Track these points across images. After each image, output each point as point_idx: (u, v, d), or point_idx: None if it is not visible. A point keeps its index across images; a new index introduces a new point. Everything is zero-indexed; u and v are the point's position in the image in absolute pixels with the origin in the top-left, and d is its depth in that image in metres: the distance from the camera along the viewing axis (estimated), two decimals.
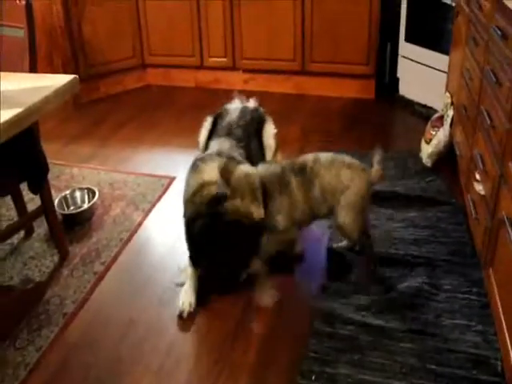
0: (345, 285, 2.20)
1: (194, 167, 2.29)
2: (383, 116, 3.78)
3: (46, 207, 2.39)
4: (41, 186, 2.31)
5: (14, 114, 1.73)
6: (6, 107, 1.76)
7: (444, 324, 1.98)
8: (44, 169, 2.29)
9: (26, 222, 2.53)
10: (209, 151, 2.45)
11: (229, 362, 1.90)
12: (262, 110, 2.79)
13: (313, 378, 1.79)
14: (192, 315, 2.10)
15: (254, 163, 2.33)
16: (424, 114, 3.58)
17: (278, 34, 4.02)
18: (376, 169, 2.19)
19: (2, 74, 2.06)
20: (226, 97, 4.13)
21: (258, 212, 2.06)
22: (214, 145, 2.48)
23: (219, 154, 2.33)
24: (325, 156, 2.20)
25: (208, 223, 2.06)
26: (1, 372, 1.89)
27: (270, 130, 2.70)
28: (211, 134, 2.63)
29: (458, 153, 2.77)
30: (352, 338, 1.94)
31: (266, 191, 2.11)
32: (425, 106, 3.68)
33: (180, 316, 2.09)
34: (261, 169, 2.19)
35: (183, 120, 3.86)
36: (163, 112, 4.01)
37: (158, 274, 2.35)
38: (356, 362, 1.84)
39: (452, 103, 2.98)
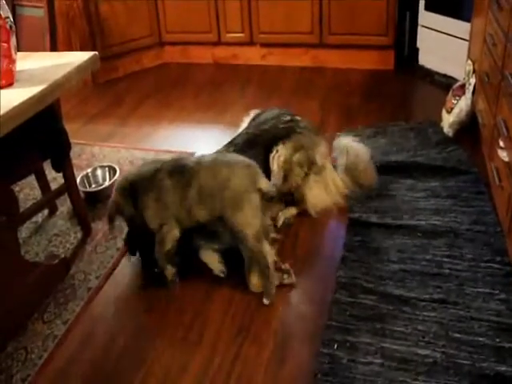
0: (365, 255, 2.19)
1: None
2: (403, 87, 3.72)
3: (69, 185, 2.42)
4: (64, 163, 2.34)
5: (39, 91, 1.76)
6: (30, 85, 1.80)
7: (466, 293, 1.97)
8: (66, 146, 2.32)
9: (49, 200, 2.57)
10: None
11: (252, 332, 1.92)
12: (294, 123, 2.50)
13: (335, 346, 1.81)
14: (214, 287, 2.13)
15: None
16: (444, 84, 3.51)
17: (295, 6, 3.96)
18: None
19: (24, 53, 2.09)
20: (243, 72, 4.16)
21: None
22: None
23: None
24: (210, 156, 2.13)
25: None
26: (31, 344, 1.94)
27: (275, 155, 2.41)
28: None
29: (480, 121, 2.72)
30: (373, 307, 1.94)
31: (135, 191, 2.12)
32: (445, 76, 3.61)
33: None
34: (134, 170, 2.24)
35: (201, 96, 3.86)
36: (181, 89, 4.00)
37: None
38: (378, 330, 1.85)
39: (474, 71, 2.91)
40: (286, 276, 2.11)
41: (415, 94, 3.67)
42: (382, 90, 3.69)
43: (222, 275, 2.15)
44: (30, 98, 1.73)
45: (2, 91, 1.78)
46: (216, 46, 4.36)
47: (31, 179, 2.72)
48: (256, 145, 2.40)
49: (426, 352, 1.76)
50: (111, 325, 2.04)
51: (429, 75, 3.73)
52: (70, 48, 3.95)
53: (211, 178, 2.03)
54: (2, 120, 1.60)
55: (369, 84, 3.80)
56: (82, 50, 3.96)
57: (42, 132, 2.20)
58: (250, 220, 1.99)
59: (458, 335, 1.81)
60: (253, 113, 2.65)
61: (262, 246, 2.00)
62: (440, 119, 3.10)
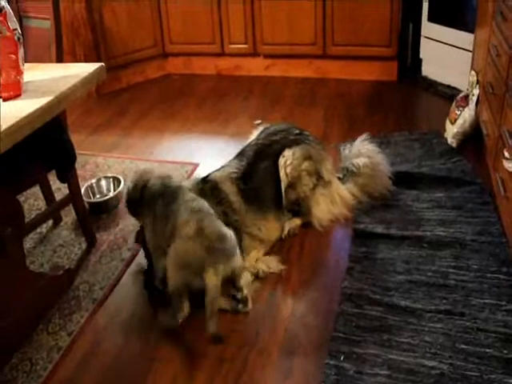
0: (371, 266, 2.19)
1: None
2: (406, 98, 3.73)
3: (74, 195, 2.43)
4: (69, 174, 2.35)
5: (46, 102, 1.77)
6: (37, 96, 1.82)
7: (473, 304, 1.96)
8: (72, 157, 2.32)
9: (54, 210, 2.57)
10: None
11: (258, 343, 1.91)
12: (303, 136, 2.52)
13: (341, 358, 1.80)
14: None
15: (253, 183, 2.33)
16: (448, 95, 3.52)
17: (299, 17, 3.98)
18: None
19: (31, 64, 2.11)
20: (247, 83, 4.18)
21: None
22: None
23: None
24: (196, 203, 2.06)
25: None
26: (36, 355, 1.94)
27: (282, 161, 2.42)
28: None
29: (484, 132, 2.72)
30: (380, 318, 1.93)
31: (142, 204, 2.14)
32: (449, 87, 3.63)
33: None
34: (153, 181, 2.19)
35: (205, 107, 3.87)
36: (185, 100, 4.02)
37: None
38: (384, 342, 1.84)
39: (478, 81, 2.93)
40: (240, 306, 2.06)
41: (419, 105, 3.68)
42: (386, 100, 3.70)
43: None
44: (38, 109, 1.74)
45: (10, 102, 1.79)
46: (219, 57, 4.38)
47: (35, 190, 2.74)
48: (266, 156, 2.42)
49: (433, 364, 1.75)
50: (116, 336, 2.03)
51: (432, 86, 3.74)
52: (74, 58, 3.98)
53: (180, 216, 1.99)
54: (10, 131, 1.60)
55: (372, 95, 3.81)
56: (86, 60, 3.99)
57: (47, 143, 2.20)
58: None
59: (464, 346, 1.80)
60: (262, 126, 2.66)
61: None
62: (444, 130, 3.11)
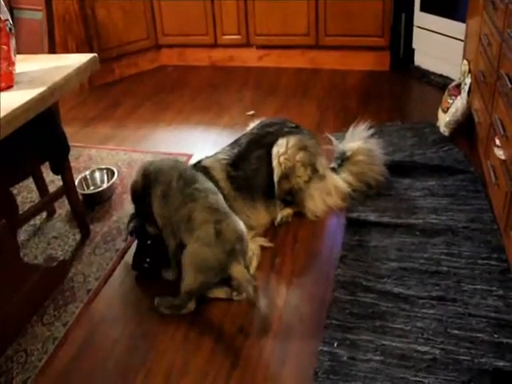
0: (364, 254, 2.21)
1: None
2: (399, 87, 3.74)
3: (68, 187, 2.43)
4: (62, 165, 2.35)
5: (39, 93, 1.77)
6: (30, 87, 1.81)
7: (464, 289, 1.98)
8: (65, 147, 2.32)
9: (48, 202, 2.57)
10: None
11: (252, 331, 1.93)
12: (299, 129, 2.54)
13: (335, 344, 1.82)
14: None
15: (244, 171, 2.35)
16: (440, 84, 3.53)
17: (291, 8, 3.98)
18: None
19: (23, 55, 2.10)
20: (240, 74, 4.18)
21: None
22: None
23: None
24: (213, 198, 2.03)
25: None
26: (31, 346, 1.95)
27: (275, 149, 2.43)
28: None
29: (476, 120, 2.74)
30: (373, 305, 1.95)
31: (149, 182, 2.13)
32: (441, 76, 3.64)
33: None
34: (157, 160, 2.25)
35: (198, 99, 3.87)
36: (178, 92, 4.02)
37: None
38: (377, 328, 1.86)
39: (469, 70, 2.94)
40: (235, 293, 2.06)
41: (411, 95, 3.69)
42: (379, 90, 3.71)
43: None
44: (30, 100, 1.73)
45: (2, 94, 1.78)
46: (212, 48, 4.38)
47: (29, 182, 2.73)
48: (260, 146, 2.43)
49: (426, 349, 1.77)
50: (111, 326, 2.04)
51: (425, 75, 3.75)
52: (66, 51, 3.95)
53: (198, 212, 1.97)
54: (3, 122, 1.60)
55: (365, 85, 3.82)
56: (78, 52, 3.96)
57: (40, 134, 2.20)
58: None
59: (456, 332, 1.82)
60: (257, 119, 2.67)
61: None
62: (436, 119, 3.12)
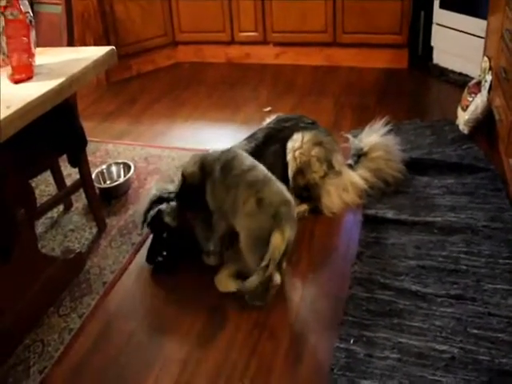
0: (381, 251, 2.18)
1: None
2: (417, 85, 3.71)
3: (85, 180, 2.43)
4: (79, 158, 2.35)
5: (57, 84, 1.78)
6: (49, 78, 1.82)
7: (484, 289, 1.95)
8: (82, 141, 2.33)
9: (65, 195, 2.58)
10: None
11: (268, 327, 1.92)
12: (315, 125, 2.54)
13: (351, 341, 1.80)
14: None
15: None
16: (459, 82, 3.49)
17: (309, 5, 3.96)
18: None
19: (43, 48, 2.11)
20: (257, 71, 4.16)
21: None
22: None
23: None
24: (251, 174, 2.03)
25: None
26: (47, 337, 1.96)
27: (290, 144, 2.43)
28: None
29: (497, 117, 2.70)
30: (390, 302, 1.93)
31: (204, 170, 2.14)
32: (460, 74, 3.59)
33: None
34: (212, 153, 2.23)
35: (214, 96, 3.86)
36: (195, 88, 4.02)
37: None
38: (395, 325, 1.84)
39: (490, 68, 2.90)
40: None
41: (430, 93, 3.65)
42: (396, 88, 3.68)
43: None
44: (49, 92, 1.74)
45: (22, 85, 1.80)
46: (229, 45, 4.37)
47: (46, 175, 2.75)
48: (276, 140, 2.43)
49: (444, 347, 1.74)
50: (126, 319, 2.04)
51: (443, 73, 3.71)
52: (84, 46, 3.97)
53: (240, 193, 1.98)
54: (22, 112, 1.61)
55: (383, 83, 3.79)
56: None
57: (58, 127, 2.21)
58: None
59: (476, 331, 1.79)
60: (274, 114, 2.66)
61: None
62: (455, 117, 3.08)
